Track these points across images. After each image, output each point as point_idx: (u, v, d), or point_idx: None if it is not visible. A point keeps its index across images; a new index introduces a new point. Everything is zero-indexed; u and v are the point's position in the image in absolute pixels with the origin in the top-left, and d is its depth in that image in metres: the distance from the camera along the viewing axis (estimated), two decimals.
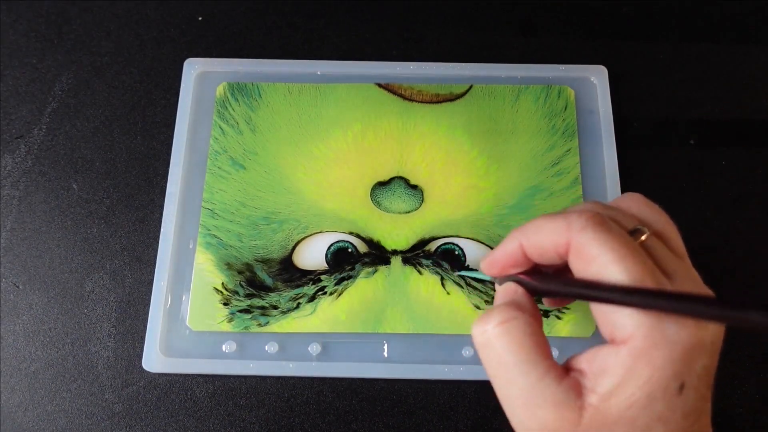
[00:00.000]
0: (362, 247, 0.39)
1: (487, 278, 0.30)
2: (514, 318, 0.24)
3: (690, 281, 0.24)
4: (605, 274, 0.22)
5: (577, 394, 0.22)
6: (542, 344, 0.23)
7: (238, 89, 0.44)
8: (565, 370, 0.23)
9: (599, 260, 0.22)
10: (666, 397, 0.21)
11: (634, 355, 0.21)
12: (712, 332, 0.22)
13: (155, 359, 0.37)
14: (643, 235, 0.24)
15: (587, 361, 0.23)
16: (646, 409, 0.21)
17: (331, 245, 0.39)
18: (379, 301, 0.38)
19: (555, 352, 0.37)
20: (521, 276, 0.26)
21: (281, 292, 0.38)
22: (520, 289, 0.26)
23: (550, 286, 0.25)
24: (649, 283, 0.22)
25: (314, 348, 0.37)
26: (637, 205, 0.26)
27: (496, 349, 0.23)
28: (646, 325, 0.21)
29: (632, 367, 0.21)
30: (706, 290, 0.24)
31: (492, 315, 0.24)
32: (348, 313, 0.38)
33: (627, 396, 0.21)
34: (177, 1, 0.48)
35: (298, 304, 0.38)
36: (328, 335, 0.38)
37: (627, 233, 0.24)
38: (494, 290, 0.38)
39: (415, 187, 0.41)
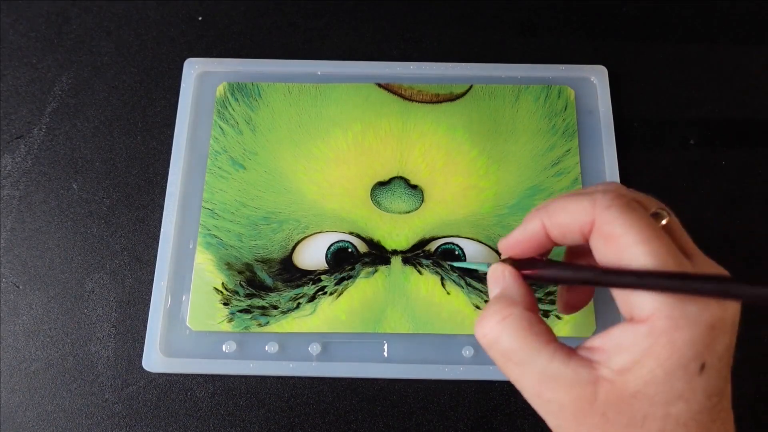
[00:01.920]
0: (362, 247, 0.39)
1: (482, 267, 0.30)
2: (510, 314, 0.24)
3: (708, 263, 0.24)
4: (628, 254, 0.22)
5: (588, 371, 0.23)
6: (543, 331, 0.24)
7: (238, 89, 0.44)
8: (572, 351, 0.24)
9: (622, 240, 0.22)
10: (686, 377, 0.21)
11: (654, 334, 0.21)
12: (732, 311, 0.22)
13: (155, 359, 0.37)
14: (664, 219, 0.24)
15: (601, 339, 0.23)
16: (665, 386, 0.21)
17: (331, 245, 0.39)
18: (379, 301, 0.38)
19: None
20: (532, 271, 0.26)
21: (281, 292, 0.38)
22: (509, 277, 0.26)
23: (566, 273, 0.25)
24: (671, 265, 0.22)
25: (314, 348, 0.37)
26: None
27: (500, 347, 0.24)
28: (667, 305, 0.21)
29: (652, 346, 0.21)
30: (723, 271, 0.24)
31: (489, 315, 0.25)
32: (348, 313, 0.38)
33: (645, 372, 0.22)
34: (177, 1, 0.48)
35: (298, 304, 0.38)
36: (328, 335, 0.38)
37: (649, 215, 0.24)
38: None
39: (415, 187, 0.41)
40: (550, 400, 0.23)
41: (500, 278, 0.26)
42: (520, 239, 0.26)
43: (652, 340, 0.21)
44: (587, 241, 0.24)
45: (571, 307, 0.30)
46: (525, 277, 0.26)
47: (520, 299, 0.25)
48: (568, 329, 0.38)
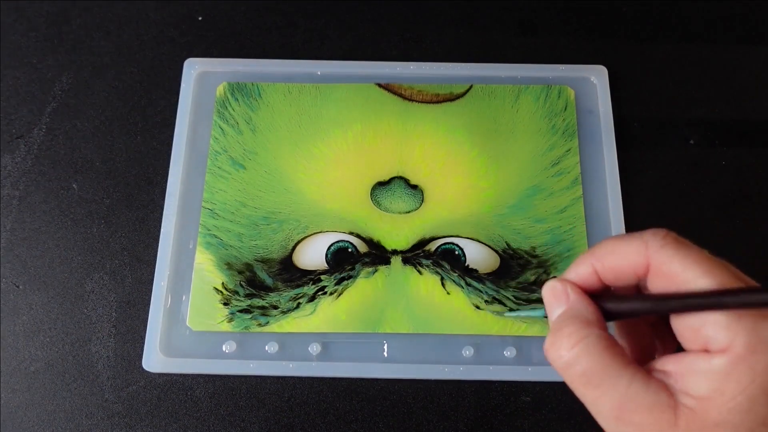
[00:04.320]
0: (362, 247, 0.39)
1: (538, 312, 0.29)
2: (586, 336, 0.24)
3: None
4: (692, 288, 0.22)
5: (667, 394, 0.22)
6: (620, 352, 0.24)
7: (238, 89, 0.44)
8: (647, 373, 0.23)
9: (683, 276, 0.22)
10: None
11: (733, 362, 0.21)
12: None
13: (155, 359, 0.37)
14: None
15: (673, 364, 0.23)
16: (749, 413, 0.21)
17: (331, 245, 0.39)
18: (379, 301, 0.38)
19: None
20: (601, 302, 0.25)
21: (281, 292, 0.38)
22: (574, 295, 0.25)
23: (634, 305, 0.24)
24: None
25: (314, 348, 0.37)
26: None
27: (577, 369, 0.23)
28: (743, 333, 0.21)
29: (732, 372, 0.21)
30: None
31: (563, 336, 0.24)
32: (348, 313, 0.38)
33: (727, 400, 0.21)
34: (177, 1, 0.48)
35: (298, 304, 0.38)
36: (328, 335, 0.38)
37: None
38: (495, 289, 0.38)
39: (415, 187, 0.41)
40: (629, 422, 0.22)
41: (563, 296, 0.25)
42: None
43: (733, 368, 0.21)
44: (640, 281, 0.24)
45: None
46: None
47: (593, 319, 0.24)
48: None
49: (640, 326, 0.27)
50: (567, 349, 0.24)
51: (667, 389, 0.22)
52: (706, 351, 0.22)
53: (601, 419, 0.23)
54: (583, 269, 0.25)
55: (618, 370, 0.23)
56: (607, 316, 0.25)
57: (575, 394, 0.24)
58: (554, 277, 0.38)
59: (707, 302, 0.22)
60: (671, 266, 0.23)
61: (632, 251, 0.24)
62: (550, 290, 0.26)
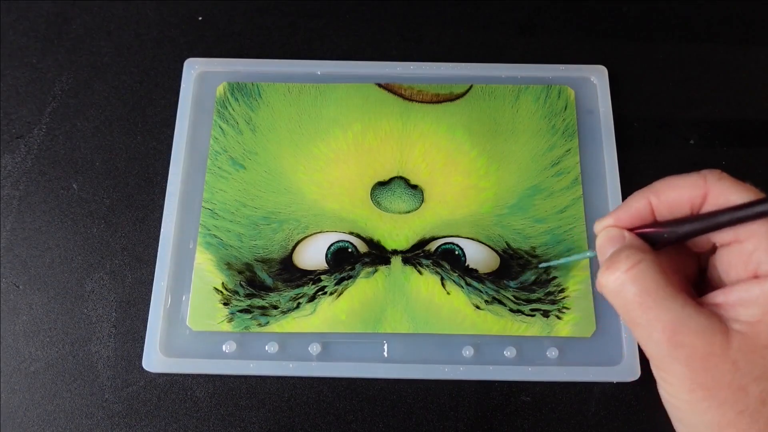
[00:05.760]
0: (362, 247, 0.39)
1: (585, 255, 0.30)
2: (642, 260, 0.25)
3: None
4: None
5: (719, 320, 0.23)
6: (673, 280, 0.24)
7: (238, 89, 0.44)
8: (700, 301, 0.24)
9: (740, 203, 0.24)
10: None
11: None
12: None
13: (155, 359, 0.37)
14: None
15: (723, 296, 0.24)
16: None
17: (331, 245, 0.39)
18: (379, 301, 0.38)
19: (555, 352, 0.37)
20: (649, 230, 0.26)
21: (281, 292, 0.38)
22: (630, 235, 0.26)
23: (686, 227, 0.25)
24: None
25: (314, 348, 0.37)
26: None
27: (632, 290, 0.24)
28: None
29: None
30: None
31: (620, 261, 0.25)
32: (348, 313, 0.38)
33: None
34: (177, 1, 0.48)
35: (298, 304, 0.38)
36: (328, 335, 0.38)
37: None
38: (495, 289, 0.38)
39: (415, 187, 0.41)
40: (681, 344, 0.23)
41: (619, 238, 0.26)
42: (622, 218, 0.27)
43: None
44: (693, 214, 0.26)
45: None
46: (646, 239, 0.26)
47: (648, 249, 0.25)
48: (569, 329, 0.37)
49: (687, 264, 0.28)
50: (624, 271, 0.24)
51: (718, 317, 0.23)
52: (756, 277, 0.23)
53: (653, 343, 0.24)
54: (640, 204, 0.26)
55: (672, 293, 0.24)
56: (657, 245, 0.26)
57: (626, 320, 0.25)
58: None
59: (756, 211, 0.23)
60: (729, 196, 0.24)
61: (690, 184, 0.25)
62: (607, 235, 0.27)
